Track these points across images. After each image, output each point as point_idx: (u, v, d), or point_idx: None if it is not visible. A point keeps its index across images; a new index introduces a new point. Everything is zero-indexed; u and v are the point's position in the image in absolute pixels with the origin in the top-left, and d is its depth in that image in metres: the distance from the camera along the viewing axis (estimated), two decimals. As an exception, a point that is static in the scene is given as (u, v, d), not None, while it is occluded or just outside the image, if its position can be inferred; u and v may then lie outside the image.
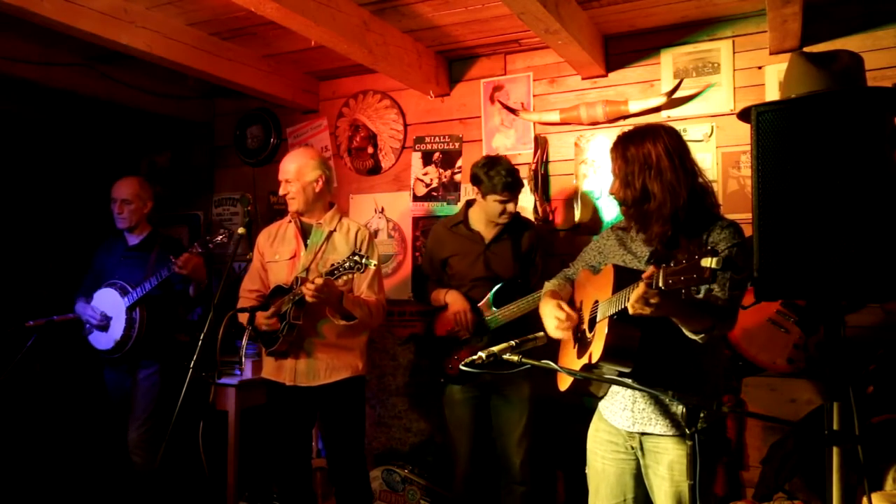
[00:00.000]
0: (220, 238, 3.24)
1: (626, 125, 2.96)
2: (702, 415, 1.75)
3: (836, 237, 1.59)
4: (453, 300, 3.04)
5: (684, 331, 1.79)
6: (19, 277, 4.45)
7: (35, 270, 4.56)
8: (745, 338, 2.95)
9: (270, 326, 2.84)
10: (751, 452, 3.13)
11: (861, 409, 1.89)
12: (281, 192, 3.01)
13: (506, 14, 3.07)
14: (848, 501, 1.71)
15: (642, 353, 1.80)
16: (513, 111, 3.69)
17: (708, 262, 1.45)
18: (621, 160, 1.95)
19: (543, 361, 1.76)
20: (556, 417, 3.32)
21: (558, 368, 1.81)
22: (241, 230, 2.84)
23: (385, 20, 3.29)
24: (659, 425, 1.93)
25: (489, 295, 3.03)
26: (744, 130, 3.03)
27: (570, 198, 3.58)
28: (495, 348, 1.79)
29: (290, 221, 3.06)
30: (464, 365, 1.80)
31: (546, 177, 3.65)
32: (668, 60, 3.37)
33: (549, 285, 2.23)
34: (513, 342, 1.82)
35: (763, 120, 1.69)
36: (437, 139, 3.96)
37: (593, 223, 3.51)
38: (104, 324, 3.37)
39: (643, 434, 1.97)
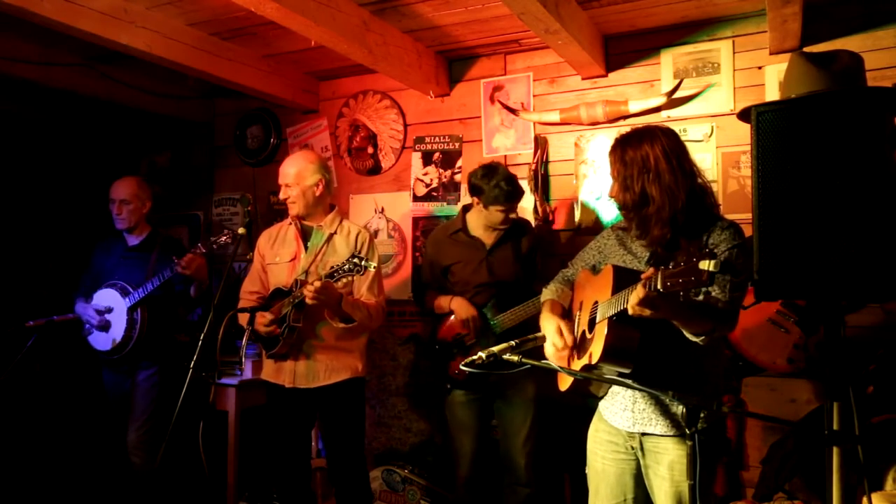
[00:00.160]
0: (223, 238, 3.24)
1: (626, 125, 2.95)
2: (702, 415, 1.76)
3: (836, 237, 1.59)
4: (459, 306, 3.04)
5: (685, 333, 1.79)
6: (19, 277, 4.45)
7: (35, 270, 4.56)
8: (745, 338, 2.95)
9: (270, 333, 2.84)
10: (751, 452, 3.13)
11: (861, 409, 1.89)
12: (281, 196, 3.00)
13: (506, 14, 3.07)
14: (848, 501, 1.71)
15: (642, 353, 1.80)
16: (513, 111, 3.69)
17: (706, 265, 1.44)
18: (619, 163, 1.94)
19: (543, 361, 1.76)
20: (562, 419, 3.31)
21: (558, 368, 1.82)
22: (241, 230, 2.84)
23: (385, 20, 3.29)
24: (659, 425, 1.93)
25: (489, 304, 3.04)
26: (744, 130, 3.03)
27: (570, 198, 3.58)
28: (495, 348, 1.79)
29: (291, 223, 3.06)
30: (464, 365, 1.80)
31: (546, 177, 3.65)
32: (668, 60, 3.37)
33: (547, 293, 2.20)
34: (513, 342, 1.82)
35: (763, 120, 1.69)
36: (437, 139, 3.96)
37: (593, 224, 3.50)
38: (104, 324, 3.37)
39: (643, 434, 1.97)
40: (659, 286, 1.54)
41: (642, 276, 1.63)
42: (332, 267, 2.67)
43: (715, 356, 1.98)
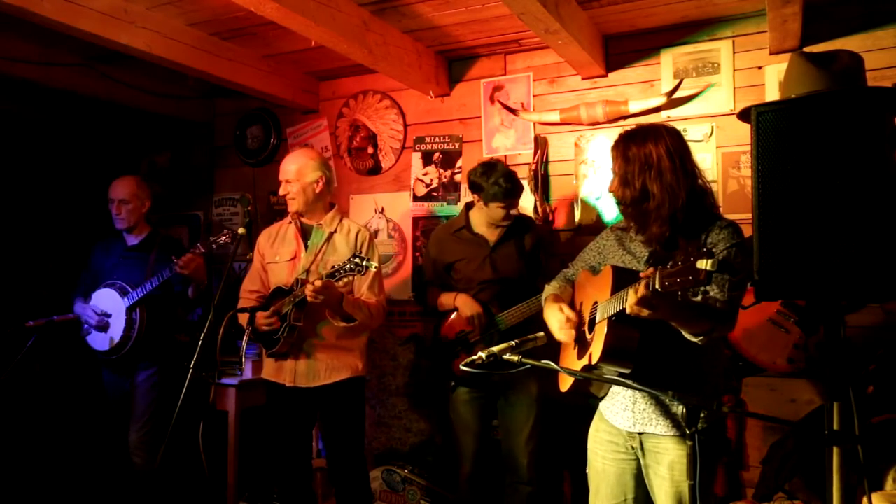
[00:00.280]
0: (223, 238, 3.23)
1: (626, 125, 2.95)
2: (702, 415, 1.75)
3: (836, 237, 1.59)
4: (463, 303, 3.04)
5: (684, 333, 1.80)
6: (19, 277, 4.45)
7: (35, 270, 4.57)
8: (745, 338, 2.95)
9: (271, 326, 2.84)
10: (751, 452, 3.13)
11: (861, 409, 1.88)
12: (281, 192, 3.01)
13: (506, 14, 3.07)
14: (848, 501, 1.71)
15: (642, 353, 1.80)
16: (513, 111, 3.69)
17: (703, 264, 1.44)
18: (622, 159, 1.94)
19: (543, 361, 1.76)
20: (563, 418, 3.31)
21: (558, 368, 1.81)
22: (241, 230, 2.84)
23: (385, 20, 3.29)
24: (659, 425, 1.93)
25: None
26: (744, 130, 3.03)
27: (570, 198, 3.58)
28: (495, 348, 1.79)
29: (291, 222, 3.06)
30: (463, 365, 1.80)
31: (546, 177, 3.65)
32: (668, 60, 3.37)
33: (549, 289, 2.22)
34: (513, 342, 1.82)
35: (763, 120, 1.69)
36: (437, 139, 3.96)
37: (593, 223, 3.50)
38: (103, 324, 3.37)
39: (643, 434, 1.97)
40: (657, 286, 1.54)
41: (641, 275, 1.63)
42: (334, 266, 2.67)
43: (715, 356, 1.98)
